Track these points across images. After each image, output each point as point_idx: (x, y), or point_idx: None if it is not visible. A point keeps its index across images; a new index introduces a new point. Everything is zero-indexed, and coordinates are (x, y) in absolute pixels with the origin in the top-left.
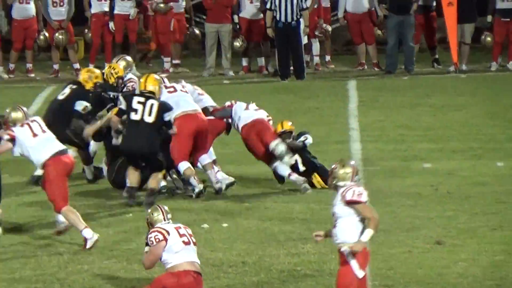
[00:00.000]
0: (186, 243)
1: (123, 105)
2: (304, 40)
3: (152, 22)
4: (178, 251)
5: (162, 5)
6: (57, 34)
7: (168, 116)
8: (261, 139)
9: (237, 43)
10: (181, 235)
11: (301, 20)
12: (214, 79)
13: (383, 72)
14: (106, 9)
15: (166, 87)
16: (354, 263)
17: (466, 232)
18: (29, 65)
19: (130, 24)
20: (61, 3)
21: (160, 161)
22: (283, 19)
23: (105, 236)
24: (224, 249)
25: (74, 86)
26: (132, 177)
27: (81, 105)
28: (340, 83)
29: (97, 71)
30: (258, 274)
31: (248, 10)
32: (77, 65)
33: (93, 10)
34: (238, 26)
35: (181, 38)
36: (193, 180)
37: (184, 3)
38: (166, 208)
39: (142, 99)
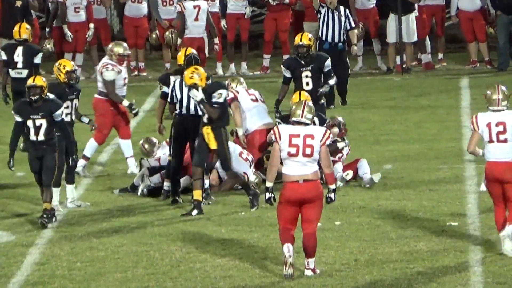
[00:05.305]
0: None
1: None
2: (414, 37)
3: (271, 20)
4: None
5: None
6: (167, 33)
7: None
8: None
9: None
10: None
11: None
12: None
13: (496, 70)
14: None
15: (249, 94)
16: None
17: None
18: (141, 64)
19: (243, 23)
20: (171, 2)
21: None
22: (329, 39)
23: (218, 234)
24: (336, 247)
25: None
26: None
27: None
28: (453, 81)
29: None
30: (370, 272)
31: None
32: None
33: None
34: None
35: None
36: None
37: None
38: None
39: None
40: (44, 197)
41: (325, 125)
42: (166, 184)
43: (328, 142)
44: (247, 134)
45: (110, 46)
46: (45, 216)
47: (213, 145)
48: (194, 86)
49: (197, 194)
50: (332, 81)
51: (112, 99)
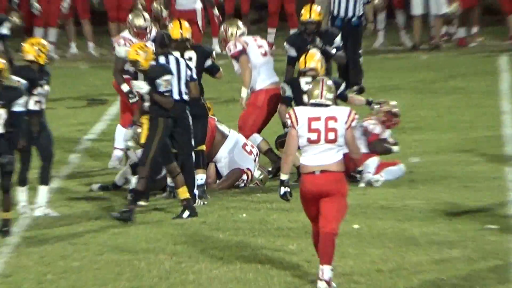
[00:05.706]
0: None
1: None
2: (444, 9)
3: None
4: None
5: None
6: (155, 4)
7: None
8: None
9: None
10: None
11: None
12: None
13: None
14: None
15: (258, 46)
16: None
17: None
18: None
19: None
20: None
21: None
22: (342, 13)
23: (215, 240)
24: (355, 255)
25: None
26: None
27: None
28: (489, 59)
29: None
30: (395, 284)
31: None
32: None
33: None
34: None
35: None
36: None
37: None
38: None
39: None
40: (4, 205)
41: (375, 108)
42: (169, 180)
43: (354, 123)
44: (251, 92)
45: (130, 17)
46: (7, 228)
47: (142, 139)
48: (135, 63)
49: (182, 192)
50: (333, 50)
51: (114, 77)
